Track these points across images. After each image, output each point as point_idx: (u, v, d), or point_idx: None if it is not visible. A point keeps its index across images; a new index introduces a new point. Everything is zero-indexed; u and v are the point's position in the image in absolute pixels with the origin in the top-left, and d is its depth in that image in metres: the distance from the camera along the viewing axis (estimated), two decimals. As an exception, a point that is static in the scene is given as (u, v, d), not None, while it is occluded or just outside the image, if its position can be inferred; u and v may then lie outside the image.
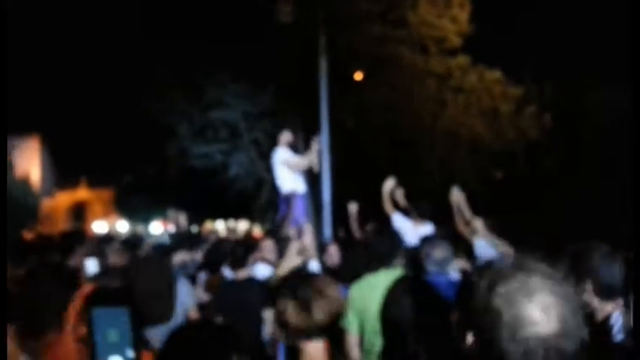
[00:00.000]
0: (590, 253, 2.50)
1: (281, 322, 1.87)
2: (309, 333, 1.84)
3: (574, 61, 19.87)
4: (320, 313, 1.82)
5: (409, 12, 15.25)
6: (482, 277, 1.17)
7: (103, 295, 1.90)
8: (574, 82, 18.66)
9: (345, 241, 5.75)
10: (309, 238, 4.95)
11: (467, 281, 1.25)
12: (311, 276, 2.07)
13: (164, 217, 25.10)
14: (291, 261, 4.53)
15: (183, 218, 6.02)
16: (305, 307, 1.83)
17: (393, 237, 3.66)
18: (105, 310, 1.59)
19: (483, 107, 16.13)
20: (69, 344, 1.90)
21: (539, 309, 1.09)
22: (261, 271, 4.58)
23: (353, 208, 5.41)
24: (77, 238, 4.98)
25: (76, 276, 2.44)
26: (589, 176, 16.78)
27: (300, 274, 2.10)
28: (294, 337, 1.87)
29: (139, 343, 1.64)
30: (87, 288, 1.99)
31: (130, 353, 1.59)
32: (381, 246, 3.49)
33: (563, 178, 17.37)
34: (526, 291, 1.10)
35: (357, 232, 5.37)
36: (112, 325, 1.58)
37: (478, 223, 4.39)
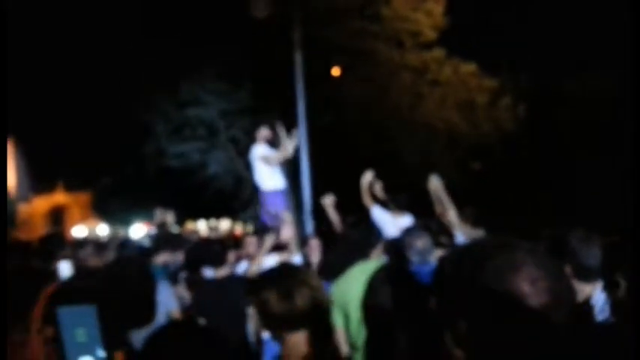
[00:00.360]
0: (568, 236, 2.56)
1: (263, 312, 1.87)
2: (292, 322, 1.84)
3: (549, 50, 20.08)
4: (302, 300, 1.83)
5: (384, 6, 15.28)
6: (462, 258, 1.15)
7: (68, 293, 1.84)
8: (549, 71, 18.91)
9: (327, 236, 5.72)
10: (288, 231, 4.93)
11: (442, 266, 1.24)
12: (293, 267, 2.08)
13: (145, 218, 24.89)
14: (267, 252, 4.54)
15: (171, 217, 5.91)
16: (287, 295, 1.83)
17: (370, 228, 3.67)
18: (71, 309, 1.53)
19: (459, 99, 16.26)
20: (35, 346, 1.84)
21: (527, 283, 1.08)
22: (245, 268, 4.55)
23: (327, 201, 5.36)
24: (57, 242, 4.86)
25: (44, 277, 2.38)
26: (565, 165, 17.05)
27: (283, 266, 2.10)
28: (276, 327, 1.87)
29: (114, 343, 1.58)
30: (51, 288, 1.92)
31: (101, 353, 1.53)
32: (358, 237, 3.50)
33: (539, 169, 17.61)
34: (512, 265, 1.09)
35: (337, 224, 5.34)
36: (80, 324, 1.52)
37: (452, 214, 4.40)
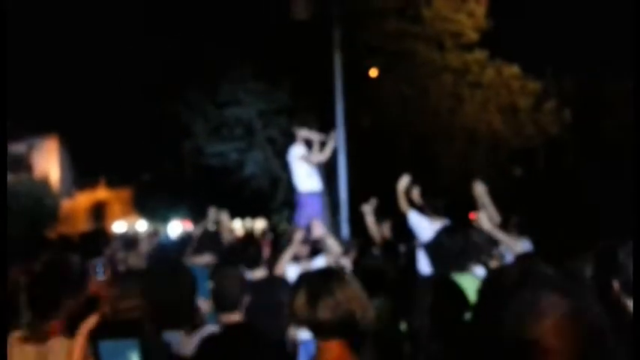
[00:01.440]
0: (616, 250, 2.45)
1: (290, 310, 1.89)
2: (316, 330, 1.85)
3: (593, 53, 19.51)
4: (325, 311, 1.81)
5: (425, 7, 15.10)
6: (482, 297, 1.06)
7: (111, 326, 1.83)
8: (594, 74, 18.32)
9: (364, 243, 5.62)
10: (319, 232, 4.86)
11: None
12: (331, 273, 2.03)
13: (182, 216, 25.29)
14: (294, 250, 4.48)
15: (226, 217, 5.82)
16: (313, 301, 1.83)
17: (465, 235, 3.31)
18: (113, 343, 1.49)
19: (501, 103, 15.91)
20: None
21: (552, 333, 0.96)
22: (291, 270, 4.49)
23: (367, 208, 5.27)
24: (100, 239, 4.91)
25: (79, 274, 2.40)
26: (611, 171, 16.46)
27: (324, 270, 2.07)
28: (300, 326, 1.91)
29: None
30: (92, 319, 1.92)
31: None
32: (453, 245, 3.15)
33: (584, 175, 17.06)
34: (535, 309, 0.98)
35: (375, 233, 5.24)
36: (122, 357, 1.48)
37: (482, 217, 4.27)
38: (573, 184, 17.08)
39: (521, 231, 5.10)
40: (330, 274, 1.99)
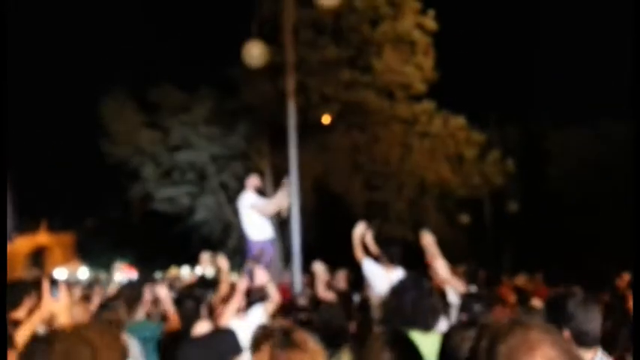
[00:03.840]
0: (566, 300, 2.51)
1: None
2: None
3: (536, 104, 20.66)
4: None
5: (375, 58, 15.60)
6: (480, 338, 1.09)
7: None
8: (536, 125, 19.29)
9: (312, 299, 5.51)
10: (262, 275, 4.71)
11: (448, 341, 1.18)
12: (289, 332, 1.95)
13: (128, 262, 24.40)
14: (238, 300, 4.29)
15: (224, 263, 5.35)
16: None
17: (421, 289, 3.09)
18: None
19: (449, 152, 16.41)
20: None
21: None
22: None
23: (319, 268, 5.19)
24: (23, 289, 4.59)
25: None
26: (554, 217, 17.12)
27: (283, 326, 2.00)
28: None
29: None
30: None
31: None
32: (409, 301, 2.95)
33: (528, 221, 17.67)
34: (528, 346, 1.04)
35: (322, 293, 5.14)
36: None
37: (440, 265, 4.31)
38: (518, 231, 17.64)
39: (470, 280, 5.17)
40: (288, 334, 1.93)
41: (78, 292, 6.15)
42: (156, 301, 5.04)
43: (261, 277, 4.76)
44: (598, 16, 21.82)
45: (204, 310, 4.20)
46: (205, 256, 5.67)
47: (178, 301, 4.30)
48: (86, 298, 6.38)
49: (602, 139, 17.02)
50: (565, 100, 20.60)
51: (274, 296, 4.40)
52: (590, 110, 18.87)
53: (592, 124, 17.63)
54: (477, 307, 3.60)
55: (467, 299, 3.73)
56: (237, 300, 4.20)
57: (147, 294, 4.98)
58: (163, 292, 4.43)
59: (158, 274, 17.95)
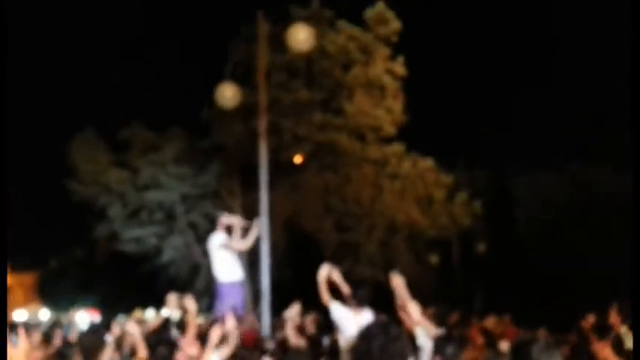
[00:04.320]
0: (530, 345, 2.56)
1: None
2: None
3: (503, 148, 21.21)
4: None
5: (347, 101, 15.90)
6: None
7: None
8: (503, 167, 19.75)
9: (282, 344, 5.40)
10: (230, 325, 4.63)
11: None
12: None
13: (91, 304, 23.56)
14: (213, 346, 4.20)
15: (192, 304, 5.11)
16: None
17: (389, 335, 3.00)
18: None
19: (418, 194, 16.60)
20: None
21: None
22: None
23: (293, 312, 5.11)
24: None
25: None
26: (522, 258, 17.37)
27: None
28: None
29: None
30: None
31: None
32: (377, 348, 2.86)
33: (496, 262, 17.87)
34: None
35: (293, 339, 5.05)
36: None
37: (413, 308, 4.30)
38: (487, 272, 17.79)
39: (440, 322, 5.16)
40: None
41: (37, 336, 5.96)
42: (120, 344, 4.89)
43: (230, 323, 4.68)
44: (566, 61, 22.76)
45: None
46: (172, 298, 5.52)
47: (149, 347, 4.17)
48: (46, 339, 6.18)
49: (569, 181, 17.52)
50: (532, 144, 21.22)
51: (231, 342, 4.34)
52: (557, 154, 19.48)
53: (559, 168, 18.18)
54: (450, 350, 3.61)
55: (440, 342, 3.74)
56: (213, 346, 4.14)
57: (115, 329, 4.86)
58: (134, 329, 4.31)
59: (121, 317, 17.38)
